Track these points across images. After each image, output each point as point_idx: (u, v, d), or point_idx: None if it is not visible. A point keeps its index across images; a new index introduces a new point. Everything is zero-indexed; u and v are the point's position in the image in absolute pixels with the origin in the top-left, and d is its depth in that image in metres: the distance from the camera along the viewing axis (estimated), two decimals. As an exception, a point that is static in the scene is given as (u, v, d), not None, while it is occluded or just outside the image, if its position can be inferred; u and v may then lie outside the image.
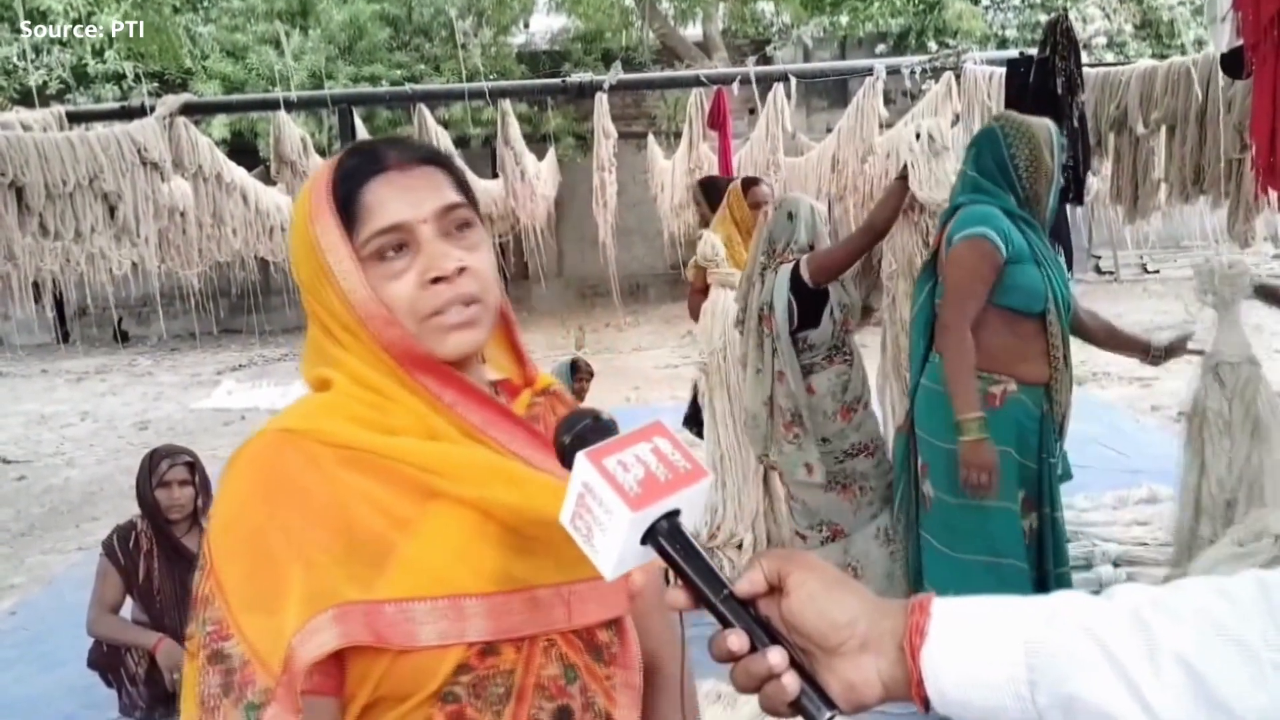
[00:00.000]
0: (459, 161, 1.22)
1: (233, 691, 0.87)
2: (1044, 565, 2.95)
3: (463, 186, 1.07)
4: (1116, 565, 4.18)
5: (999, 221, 2.87)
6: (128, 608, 3.67)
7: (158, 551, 3.60)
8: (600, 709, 1.02)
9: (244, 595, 0.89)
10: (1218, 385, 3.27)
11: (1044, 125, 2.95)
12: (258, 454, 0.97)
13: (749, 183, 4.83)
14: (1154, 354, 3.22)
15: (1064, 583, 2.99)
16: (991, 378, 2.89)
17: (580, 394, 5.87)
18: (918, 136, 3.50)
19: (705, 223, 5.00)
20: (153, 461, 3.60)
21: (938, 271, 3.05)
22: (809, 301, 3.69)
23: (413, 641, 0.91)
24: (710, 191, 5.14)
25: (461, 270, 1.00)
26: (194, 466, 3.64)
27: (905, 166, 3.64)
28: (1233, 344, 3.28)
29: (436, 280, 0.99)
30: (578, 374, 5.97)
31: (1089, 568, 4.21)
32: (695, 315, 4.69)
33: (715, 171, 6.98)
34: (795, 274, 3.71)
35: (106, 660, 3.58)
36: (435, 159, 1.07)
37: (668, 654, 1.18)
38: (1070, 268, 5.16)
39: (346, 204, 1.00)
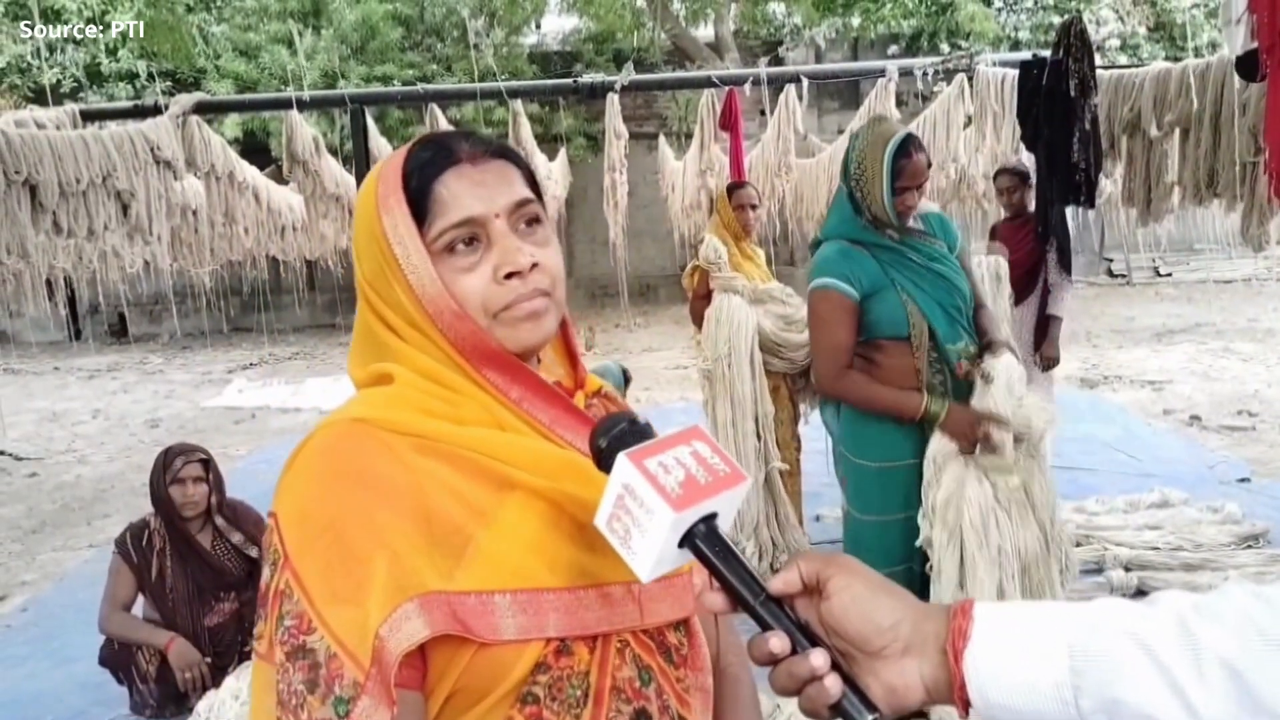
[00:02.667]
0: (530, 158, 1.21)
1: (319, 687, 0.83)
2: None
3: (532, 182, 1.06)
4: (1128, 569, 4.17)
5: (846, 264, 2.81)
6: (139, 606, 3.68)
7: (171, 549, 3.61)
8: (674, 713, 1.00)
9: (326, 587, 0.86)
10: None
11: (881, 134, 2.81)
12: (330, 443, 0.94)
13: (734, 187, 4.88)
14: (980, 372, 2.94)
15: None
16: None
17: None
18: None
19: None
20: (167, 459, 3.61)
21: None
22: None
23: (496, 634, 0.89)
24: None
25: (534, 265, 0.99)
26: (208, 464, 3.65)
27: None
28: None
29: (510, 275, 0.98)
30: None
31: (1100, 571, 4.19)
32: (696, 320, 4.68)
33: (727, 173, 6.98)
34: None
35: (118, 658, 3.59)
36: (506, 153, 1.05)
37: (731, 656, 1.17)
38: (1068, 271, 5.14)
39: (418, 196, 0.98)
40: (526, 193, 1.03)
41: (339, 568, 0.86)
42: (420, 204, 0.98)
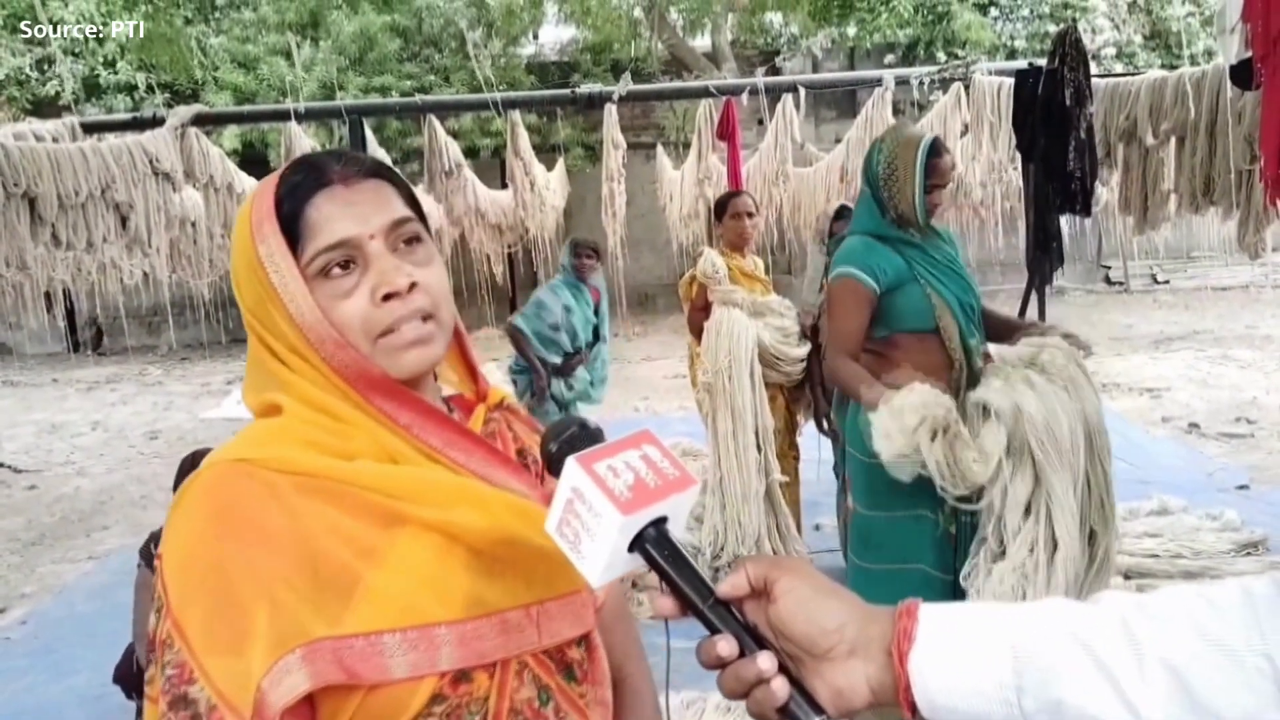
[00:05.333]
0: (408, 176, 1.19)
1: None
2: (958, 567, 2.92)
3: (411, 200, 1.03)
4: (1127, 577, 4.17)
5: (869, 256, 2.92)
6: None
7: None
8: None
9: (207, 637, 0.84)
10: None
11: (912, 136, 2.98)
12: (212, 486, 0.92)
13: (729, 196, 4.83)
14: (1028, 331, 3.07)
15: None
16: None
17: (581, 271, 5.38)
18: None
19: None
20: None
21: None
22: None
23: (385, 675, 0.88)
24: None
25: (413, 286, 0.96)
26: None
27: None
28: None
29: (389, 297, 0.95)
30: (579, 251, 5.42)
31: (1099, 579, 4.19)
32: (694, 330, 4.67)
33: (725, 182, 6.99)
34: None
35: (135, 678, 3.55)
36: (381, 172, 1.03)
37: (633, 666, 1.18)
38: (1049, 280, 5.12)
39: (290, 221, 0.96)
40: (404, 211, 1.00)
41: (220, 617, 0.85)
42: (293, 228, 0.96)
